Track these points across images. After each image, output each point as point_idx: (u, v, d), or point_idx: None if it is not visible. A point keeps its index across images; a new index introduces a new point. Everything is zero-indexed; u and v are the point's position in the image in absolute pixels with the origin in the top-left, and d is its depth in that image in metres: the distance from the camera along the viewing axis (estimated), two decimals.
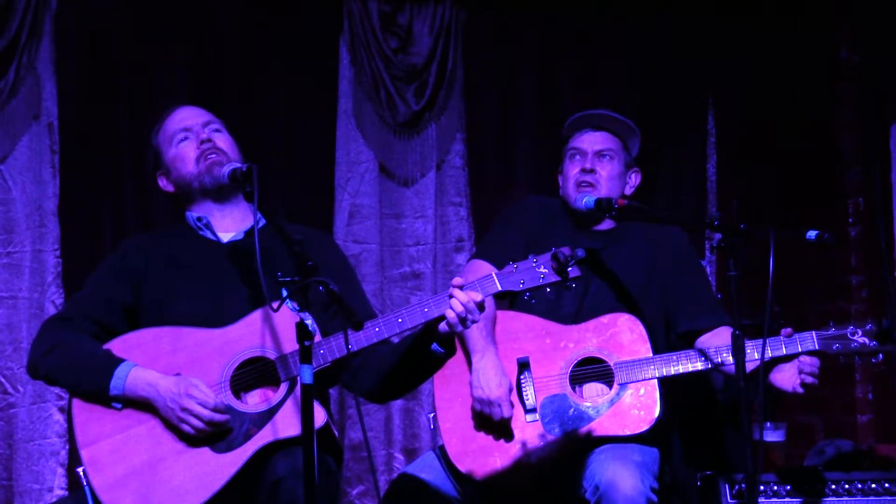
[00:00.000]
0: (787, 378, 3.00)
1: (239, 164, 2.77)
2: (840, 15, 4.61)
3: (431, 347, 2.66)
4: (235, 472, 2.60)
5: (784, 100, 4.64)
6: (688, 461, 3.50)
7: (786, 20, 4.57)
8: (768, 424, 3.95)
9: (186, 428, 2.63)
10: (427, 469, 3.12)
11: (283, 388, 2.67)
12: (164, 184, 2.96)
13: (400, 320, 2.62)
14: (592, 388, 3.11)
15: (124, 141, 4.18)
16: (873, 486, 3.24)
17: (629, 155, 3.34)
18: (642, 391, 3.05)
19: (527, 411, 3.06)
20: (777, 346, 3.00)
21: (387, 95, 4.41)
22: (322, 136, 4.40)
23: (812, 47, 4.60)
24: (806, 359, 2.98)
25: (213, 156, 2.86)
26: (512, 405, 3.04)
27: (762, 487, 3.22)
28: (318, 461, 2.36)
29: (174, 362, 2.71)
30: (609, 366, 3.08)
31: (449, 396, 3.12)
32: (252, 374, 2.71)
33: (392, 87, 4.41)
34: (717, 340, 3.11)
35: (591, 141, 3.29)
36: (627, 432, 3.01)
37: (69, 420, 2.76)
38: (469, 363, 3.10)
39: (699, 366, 3.06)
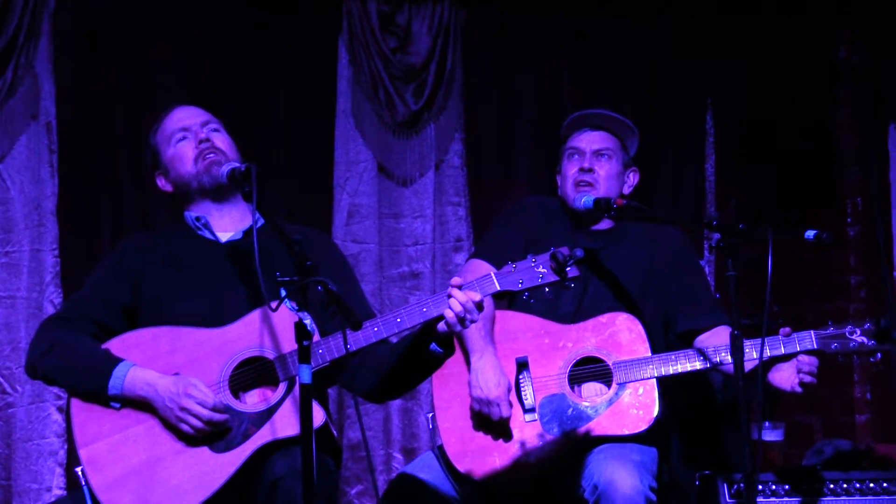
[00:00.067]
0: (785, 377, 3.00)
1: (237, 164, 2.77)
2: (840, 15, 4.61)
3: (430, 347, 2.66)
4: (234, 472, 2.60)
5: (783, 100, 4.64)
6: (686, 461, 3.50)
7: (785, 20, 4.58)
8: (767, 424, 3.95)
9: (185, 427, 2.63)
10: (426, 469, 3.12)
11: (282, 387, 2.67)
12: (162, 183, 2.96)
13: (398, 320, 2.62)
14: (591, 388, 3.11)
15: (123, 140, 4.18)
16: (871, 485, 3.24)
17: (627, 154, 3.34)
18: (641, 391, 3.05)
19: (525, 411, 3.06)
20: (776, 346, 3.00)
21: (386, 95, 4.41)
22: (321, 136, 4.40)
23: (811, 47, 4.61)
24: (804, 358, 2.98)
25: (212, 155, 2.86)
26: (511, 405, 3.04)
27: (761, 487, 3.22)
28: (317, 461, 2.36)
29: (173, 362, 2.71)
30: (608, 365, 3.08)
31: (448, 396, 3.12)
32: (251, 373, 2.71)
33: (391, 87, 4.41)
34: (716, 340, 3.11)
35: (589, 140, 3.29)
36: (626, 432, 3.01)
37: (68, 420, 2.76)
38: (468, 363, 3.10)
39: (698, 365, 3.07)
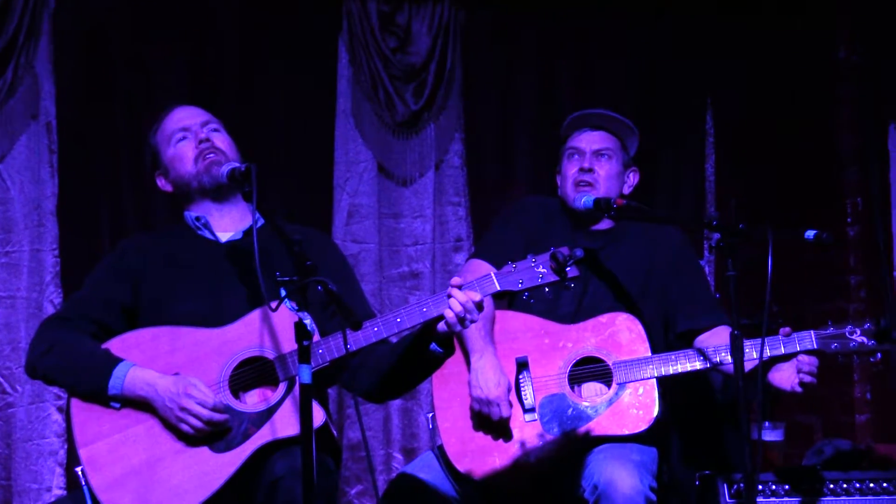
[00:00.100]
0: (785, 377, 3.00)
1: (237, 164, 2.77)
2: (840, 15, 4.61)
3: (430, 347, 2.65)
4: (234, 472, 2.60)
5: (783, 100, 4.64)
6: (686, 461, 3.50)
7: (785, 20, 4.57)
8: (767, 424, 3.95)
9: (185, 427, 2.63)
10: (426, 469, 3.12)
11: (282, 387, 2.67)
12: (162, 183, 2.96)
13: (398, 320, 2.62)
14: (591, 388, 3.11)
15: (123, 140, 4.18)
16: (871, 485, 3.24)
17: (627, 154, 3.34)
18: (641, 391, 3.05)
19: (525, 411, 3.06)
20: (775, 346, 3.00)
21: (385, 95, 4.41)
22: (321, 136, 4.40)
23: (811, 47, 4.61)
24: (804, 358, 2.98)
25: (212, 155, 2.86)
26: (511, 405, 3.04)
27: (760, 487, 3.22)
28: (317, 461, 2.36)
29: (173, 362, 2.71)
30: (608, 365, 3.08)
31: (448, 396, 3.12)
32: (251, 373, 2.71)
33: (391, 87, 4.41)
34: (716, 340, 3.11)
35: (589, 140, 3.29)
36: (626, 432, 3.01)
37: (67, 420, 2.76)
38: (468, 363, 3.10)
39: (698, 365, 3.07)
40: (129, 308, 2.84)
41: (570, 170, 3.27)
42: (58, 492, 4.05)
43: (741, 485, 3.18)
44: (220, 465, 2.61)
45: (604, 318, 3.13)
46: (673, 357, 3.07)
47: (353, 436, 4.33)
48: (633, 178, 3.35)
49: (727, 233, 2.85)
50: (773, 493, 3.24)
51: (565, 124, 3.37)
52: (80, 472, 2.70)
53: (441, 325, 2.59)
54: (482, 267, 3.11)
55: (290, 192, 4.29)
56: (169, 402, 2.64)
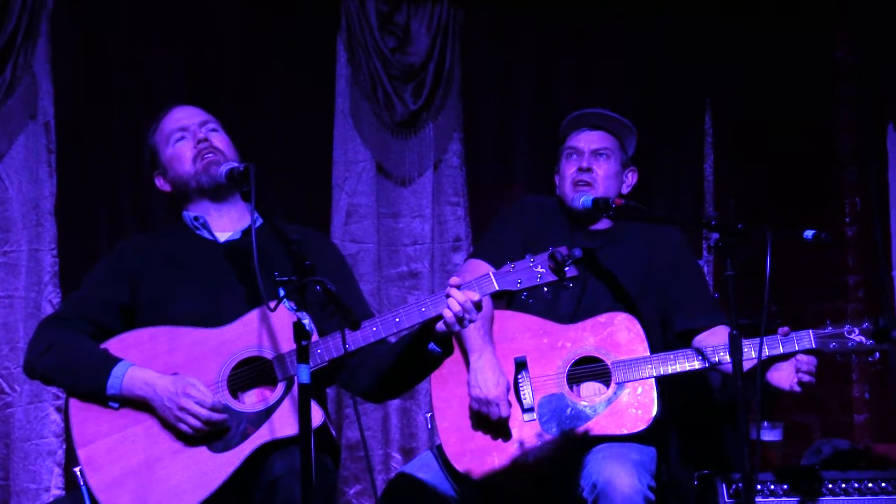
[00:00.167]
0: (784, 377, 3.00)
1: (236, 164, 2.77)
2: (840, 15, 4.61)
3: (429, 347, 2.65)
4: (233, 472, 2.60)
5: (782, 100, 4.64)
6: (685, 460, 3.50)
7: (785, 20, 4.57)
8: (765, 424, 3.96)
9: (184, 427, 2.63)
10: (424, 468, 3.12)
11: (281, 387, 2.66)
12: (160, 183, 2.96)
13: (397, 320, 2.62)
14: (590, 388, 3.11)
15: (121, 140, 4.18)
16: (870, 485, 3.24)
17: (626, 154, 3.34)
18: (640, 390, 3.05)
19: (524, 411, 3.06)
20: (774, 345, 3.00)
21: (384, 95, 4.41)
22: (319, 136, 4.40)
23: (810, 47, 4.61)
24: (803, 357, 2.98)
25: (210, 155, 2.86)
26: (509, 404, 3.04)
27: (759, 486, 3.22)
28: (316, 461, 2.36)
29: (171, 362, 2.71)
30: (606, 365, 3.09)
31: (446, 396, 3.12)
32: (249, 373, 2.71)
33: (389, 87, 4.40)
34: (715, 339, 3.11)
35: (587, 140, 3.29)
36: (625, 431, 3.01)
37: (66, 419, 2.76)
38: (467, 363, 3.10)
39: (696, 365, 3.07)
40: (128, 308, 2.84)
41: (569, 169, 3.27)
42: (56, 492, 4.05)
43: (740, 484, 3.18)
44: (219, 465, 2.61)
45: (602, 318, 3.13)
46: (671, 357, 3.07)
47: (352, 435, 4.33)
48: (631, 178, 3.35)
49: (726, 232, 2.85)
50: (772, 493, 3.24)
51: (564, 124, 3.37)
52: (78, 472, 2.70)
53: (440, 325, 2.59)
54: (481, 267, 3.11)
55: (288, 192, 4.29)
56: (168, 401, 2.64)
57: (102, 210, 4.18)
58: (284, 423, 2.61)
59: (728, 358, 2.86)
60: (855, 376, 4.48)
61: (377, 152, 4.43)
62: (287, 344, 2.64)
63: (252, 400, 2.70)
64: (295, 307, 2.52)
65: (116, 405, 2.69)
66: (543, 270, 2.58)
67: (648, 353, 3.08)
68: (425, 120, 4.46)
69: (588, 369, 3.11)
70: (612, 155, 3.29)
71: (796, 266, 4.28)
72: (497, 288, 2.60)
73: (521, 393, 3.08)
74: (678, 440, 3.49)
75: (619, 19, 4.62)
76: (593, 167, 3.25)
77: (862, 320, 3.02)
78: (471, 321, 2.57)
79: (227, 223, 2.90)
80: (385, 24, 4.41)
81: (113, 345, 2.75)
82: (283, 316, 2.62)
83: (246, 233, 2.88)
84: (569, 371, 3.10)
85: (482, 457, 3.04)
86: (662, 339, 3.23)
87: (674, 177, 4.69)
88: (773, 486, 3.25)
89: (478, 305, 2.57)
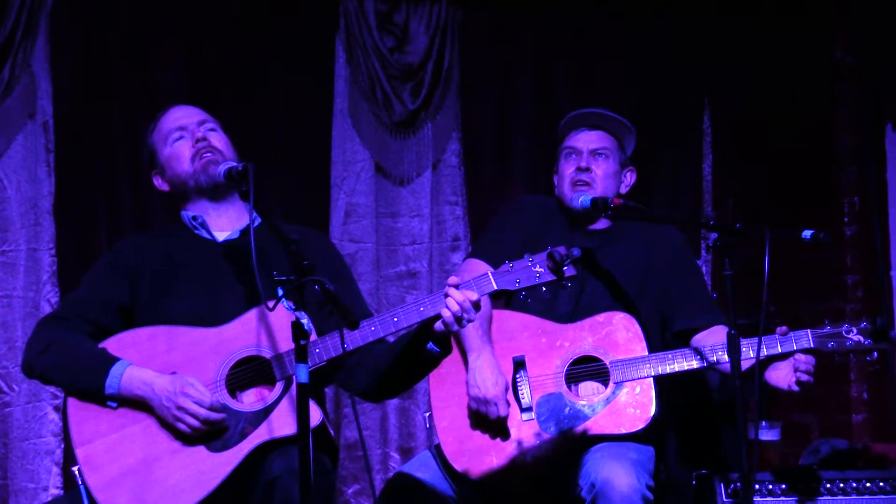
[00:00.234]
0: (782, 376, 3.00)
1: (234, 163, 2.77)
2: (840, 15, 4.61)
3: (427, 346, 2.65)
4: (231, 471, 2.60)
5: (781, 99, 4.64)
6: (683, 460, 3.51)
7: (785, 20, 4.58)
8: (764, 423, 3.95)
9: (182, 427, 2.63)
10: (423, 468, 3.12)
11: (279, 387, 2.66)
12: (159, 183, 2.96)
13: (396, 319, 2.62)
14: (588, 387, 3.11)
15: (120, 140, 4.18)
16: (868, 485, 3.24)
17: (624, 154, 3.34)
18: (638, 390, 3.05)
19: (523, 410, 3.06)
20: (772, 345, 3.00)
21: (383, 94, 4.41)
22: (318, 136, 4.40)
23: (810, 47, 4.61)
24: (801, 357, 2.98)
25: (209, 154, 2.86)
26: (508, 404, 3.04)
27: (757, 486, 3.22)
28: (314, 460, 2.36)
29: (170, 361, 2.71)
30: (605, 364, 3.09)
31: (445, 395, 3.12)
32: (248, 373, 2.71)
33: (388, 87, 4.40)
34: (713, 339, 3.11)
35: (586, 140, 3.29)
36: (623, 431, 3.01)
37: (64, 419, 2.76)
38: (465, 362, 3.10)
39: (694, 364, 3.07)
40: (126, 307, 2.84)
41: (568, 169, 3.27)
42: (55, 491, 4.05)
43: (738, 484, 3.18)
44: (217, 465, 2.61)
45: (601, 318, 3.13)
46: (670, 356, 3.07)
47: (351, 435, 4.33)
48: (630, 178, 3.35)
49: (724, 232, 2.85)
50: (770, 493, 3.24)
51: (562, 124, 3.37)
52: (76, 472, 2.70)
53: (438, 325, 2.59)
54: (479, 266, 3.11)
55: (287, 192, 4.29)
56: (166, 401, 2.64)
57: (101, 210, 4.17)
58: (283, 423, 2.61)
59: (726, 357, 2.86)
60: (853, 376, 4.48)
61: (376, 152, 4.43)
62: (285, 343, 2.64)
63: (250, 399, 2.70)
64: (293, 306, 2.52)
65: (115, 404, 2.69)
66: (542, 270, 2.58)
67: (647, 353, 3.08)
68: (424, 120, 4.46)
69: (586, 369, 3.11)
70: (611, 155, 3.29)
71: (795, 266, 4.28)
72: (495, 287, 2.60)
73: (520, 392, 3.08)
74: (676, 440, 3.49)
75: (618, 19, 4.62)
76: (592, 167, 3.25)
77: (860, 320, 3.03)
78: (469, 321, 2.57)
79: (225, 223, 2.90)
80: (384, 24, 4.41)
81: (111, 344, 2.75)
82: (282, 315, 2.62)
83: (244, 232, 2.88)
84: (567, 370, 3.10)
85: (480, 456, 3.04)
86: (661, 338, 3.23)
87: (673, 177, 4.69)
88: (771, 486, 3.25)
89: (476, 305, 2.57)
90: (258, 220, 2.79)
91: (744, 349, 2.86)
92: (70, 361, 2.73)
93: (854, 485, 3.24)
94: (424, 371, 2.79)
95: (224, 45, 4.30)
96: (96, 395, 2.69)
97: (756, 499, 3.20)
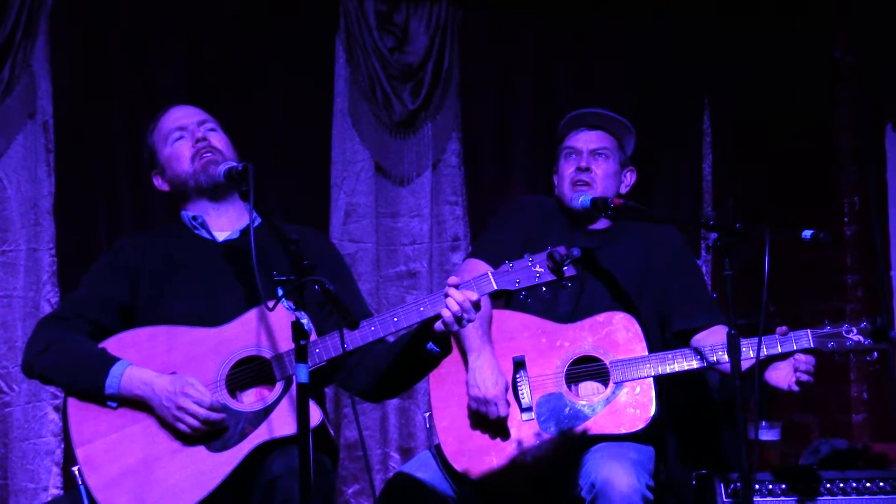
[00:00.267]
0: (782, 376, 3.00)
1: (234, 163, 2.77)
2: (840, 15, 4.61)
3: (427, 346, 2.65)
4: (231, 471, 2.60)
5: (780, 99, 4.64)
6: (683, 460, 3.51)
7: (785, 20, 4.58)
8: (764, 423, 3.96)
9: (182, 427, 2.63)
10: (423, 468, 3.12)
11: (279, 387, 2.66)
12: (159, 183, 2.96)
13: (395, 319, 2.62)
14: (588, 387, 3.11)
15: (120, 139, 4.18)
16: (868, 484, 3.24)
17: (624, 154, 3.34)
18: (638, 390, 3.05)
19: (523, 410, 3.06)
20: (772, 345, 3.00)
21: (383, 94, 4.41)
22: (318, 135, 4.40)
23: (810, 47, 4.61)
24: (801, 357, 2.98)
25: (209, 154, 2.86)
26: (508, 404, 3.04)
27: (757, 486, 3.22)
28: (314, 460, 2.36)
29: (169, 361, 2.71)
30: (605, 364, 3.09)
31: (445, 395, 3.12)
32: (247, 372, 2.71)
33: (388, 86, 4.40)
34: (713, 339, 3.11)
35: (586, 140, 3.29)
36: (623, 431, 3.01)
37: (64, 419, 2.76)
38: (465, 362, 3.10)
39: (694, 364, 3.07)
40: (127, 307, 2.84)
41: (567, 169, 3.28)
42: (54, 491, 4.05)
43: (738, 484, 3.18)
44: (217, 465, 2.61)
45: (601, 318, 3.13)
46: (670, 356, 3.07)
47: (351, 435, 4.33)
48: (630, 178, 3.35)
49: (724, 232, 2.85)
50: (770, 493, 3.24)
51: (562, 124, 3.37)
52: (76, 472, 2.70)
53: (438, 325, 2.59)
54: (479, 266, 3.11)
55: (287, 192, 4.29)
56: (166, 401, 2.64)
57: (101, 209, 4.17)
58: (283, 423, 2.61)
59: (726, 357, 2.86)
60: (853, 376, 4.48)
61: (376, 152, 4.43)
62: (285, 343, 2.64)
63: (250, 399, 2.70)
64: (293, 307, 2.52)
65: (115, 404, 2.69)
66: (542, 270, 2.58)
67: (647, 353, 3.08)
68: (424, 119, 4.46)
69: (586, 369, 3.11)
70: (611, 155, 3.29)
71: (795, 266, 4.28)
72: (495, 287, 2.60)
73: (520, 392, 3.08)
74: (676, 440, 3.49)
75: (618, 19, 4.62)
76: (592, 167, 3.25)
77: (860, 320, 3.03)
78: (469, 321, 2.57)
79: (225, 223, 2.90)
80: (384, 24, 4.41)
81: (111, 344, 2.75)
82: (282, 315, 2.62)
83: (244, 232, 2.88)
84: (567, 370, 3.10)
85: (480, 456, 3.04)
86: (661, 338, 3.23)
87: (672, 177, 4.70)
88: (771, 486, 3.25)
89: (476, 305, 2.57)
90: (258, 220, 2.79)
91: (744, 349, 2.86)
92: (70, 361, 2.73)
93: (854, 485, 3.24)
94: (424, 371, 2.79)
95: (224, 44, 4.30)
96: (96, 395, 2.69)
97: (756, 499, 3.20)
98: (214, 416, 2.62)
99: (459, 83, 4.50)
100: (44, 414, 4.08)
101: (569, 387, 3.10)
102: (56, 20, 4.12)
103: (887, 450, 3.78)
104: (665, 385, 3.11)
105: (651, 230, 3.31)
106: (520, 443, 3.04)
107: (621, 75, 4.62)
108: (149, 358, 2.71)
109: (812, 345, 3.01)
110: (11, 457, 4.05)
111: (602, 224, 3.30)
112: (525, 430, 3.05)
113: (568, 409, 3.05)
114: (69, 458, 3.66)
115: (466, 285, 2.59)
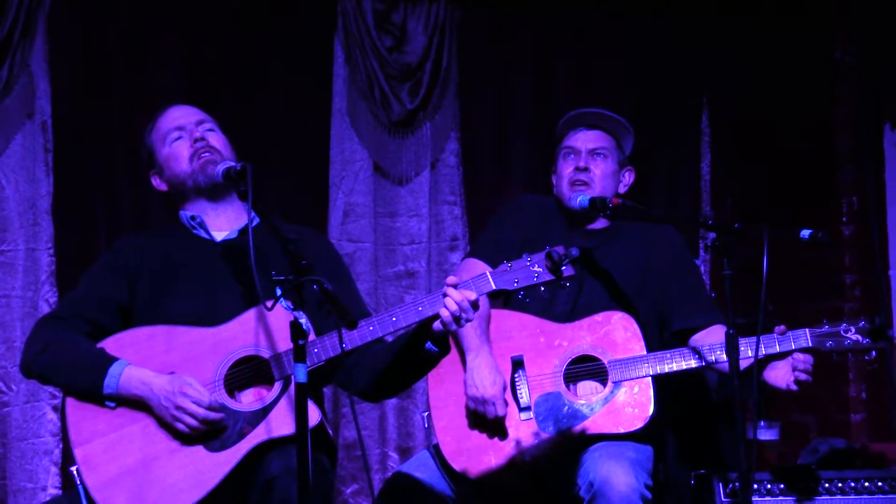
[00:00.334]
0: (780, 375, 3.01)
1: (233, 163, 2.77)
2: (839, 15, 4.61)
3: (425, 346, 2.65)
4: (229, 471, 2.60)
5: (779, 99, 4.64)
6: (682, 459, 3.51)
7: (785, 20, 4.58)
8: (762, 423, 3.96)
9: (180, 426, 2.63)
10: (421, 468, 3.12)
11: (278, 386, 2.66)
12: (157, 183, 2.96)
13: (394, 319, 2.62)
14: (586, 386, 3.11)
15: (119, 139, 4.18)
16: (866, 484, 3.24)
17: (623, 153, 3.34)
18: (636, 389, 3.05)
19: (521, 409, 3.07)
20: (770, 344, 3.00)
21: (381, 94, 4.41)
22: (316, 135, 4.40)
23: (810, 47, 4.61)
24: (799, 356, 2.99)
25: (207, 154, 2.86)
26: (506, 403, 3.04)
27: (756, 486, 3.22)
28: (313, 460, 2.36)
29: (168, 361, 2.71)
30: (603, 364, 3.09)
31: (443, 395, 3.12)
32: (246, 372, 2.71)
33: (386, 86, 4.40)
34: (711, 339, 3.11)
35: (584, 139, 3.29)
36: (621, 430, 3.01)
37: (63, 419, 2.76)
38: (463, 362, 3.10)
39: (693, 364, 3.07)
40: (125, 307, 2.84)
41: (566, 169, 3.28)
42: (53, 491, 4.04)
43: (736, 484, 3.18)
44: (216, 465, 2.61)
45: (599, 317, 3.13)
46: (668, 356, 3.07)
47: (349, 435, 4.33)
48: (628, 178, 3.36)
49: (723, 232, 2.85)
50: (769, 493, 3.24)
51: (561, 123, 3.37)
52: (75, 472, 2.69)
53: (437, 324, 2.59)
54: (478, 266, 3.11)
55: (285, 191, 4.29)
56: (164, 400, 2.63)
57: (100, 209, 4.17)
58: (281, 423, 2.61)
59: (725, 357, 2.86)
60: (852, 375, 4.48)
61: (374, 151, 4.43)
62: (284, 343, 2.64)
63: (249, 399, 2.70)
64: (292, 306, 2.52)
65: (113, 404, 2.69)
66: (540, 270, 2.58)
67: (645, 352, 3.08)
68: (422, 119, 4.45)
69: (585, 368, 3.11)
70: (609, 154, 3.29)
71: (793, 265, 4.28)
72: (494, 287, 2.60)
73: (518, 392, 3.08)
74: (675, 439, 3.49)
75: (618, 19, 4.62)
76: (590, 167, 3.25)
77: (858, 319, 3.03)
78: (468, 320, 2.57)
79: (223, 222, 2.90)
80: (382, 24, 4.41)
81: (109, 344, 2.75)
82: (280, 315, 2.62)
83: (243, 232, 2.87)
84: (565, 370, 3.10)
85: (479, 456, 3.04)
86: (659, 338, 3.23)
87: (671, 176, 4.70)
88: (769, 486, 3.25)
89: (475, 305, 2.57)
90: (256, 220, 2.79)
91: (742, 348, 2.86)
92: (68, 361, 2.72)
93: (852, 484, 3.24)
94: (423, 371, 2.79)
95: (223, 44, 4.30)
96: (94, 394, 2.69)
97: (754, 498, 3.20)
98: (213, 415, 2.62)
99: (458, 83, 4.50)
100: (42, 414, 4.08)
101: (567, 386, 3.10)
102: (54, 20, 4.12)
103: (885, 449, 3.79)
104: (663, 385, 3.11)
105: (650, 230, 3.31)
106: (518, 442, 3.04)
107: (620, 75, 4.62)
108: (147, 358, 2.71)
109: (810, 344, 3.01)
110: (10, 457, 4.05)
111: (600, 224, 3.30)
112: (523, 429, 3.05)
113: (566, 408, 3.05)
114: (67, 457, 3.65)
115: (465, 285, 2.59)
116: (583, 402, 3.06)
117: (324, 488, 2.68)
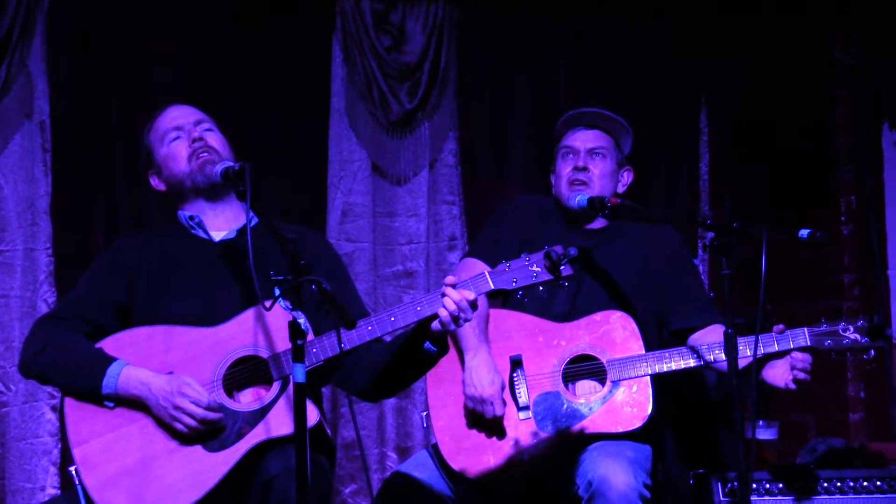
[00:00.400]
0: (779, 374, 3.01)
1: (231, 163, 2.77)
2: (839, 15, 4.61)
3: (424, 346, 2.66)
4: (228, 471, 2.60)
5: (778, 99, 4.65)
6: (680, 459, 3.51)
7: (785, 20, 4.58)
8: (761, 422, 3.96)
9: (179, 426, 2.63)
10: (420, 467, 3.12)
11: (276, 386, 2.66)
12: (155, 183, 2.96)
13: (392, 319, 2.62)
14: (585, 386, 3.11)
15: (117, 139, 4.18)
16: (865, 483, 3.25)
17: (621, 153, 3.34)
18: (635, 388, 3.05)
19: (519, 409, 3.07)
20: (769, 343, 3.00)
21: (380, 94, 4.41)
22: (315, 135, 4.40)
23: (809, 47, 4.61)
24: (798, 355, 2.99)
25: (205, 154, 2.86)
26: (505, 403, 3.04)
27: (754, 485, 3.22)
28: (311, 460, 2.36)
29: (167, 361, 2.71)
30: (602, 363, 3.09)
31: (442, 395, 3.12)
32: (244, 372, 2.71)
33: (385, 86, 4.40)
34: (710, 338, 3.11)
35: (583, 139, 3.29)
36: (620, 429, 3.01)
37: (61, 419, 2.76)
38: (462, 361, 3.10)
39: (691, 363, 3.07)
40: (124, 307, 2.84)
41: (565, 169, 3.28)
42: (52, 491, 4.04)
43: (735, 483, 3.18)
44: (214, 464, 2.61)
45: (598, 317, 3.13)
46: (667, 355, 3.07)
47: (348, 435, 4.33)
48: (627, 177, 3.36)
49: (721, 231, 2.85)
50: (767, 492, 3.24)
51: (560, 123, 3.37)
52: (73, 472, 2.69)
53: (435, 324, 2.59)
54: (477, 266, 3.11)
55: (284, 191, 4.29)
56: (163, 400, 2.63)
57: (99, 209, 4.17)
58: (280, 423, 2.61)
59: (723, 356, 2.86)
60: (850, 375, 4.49)
61: (373, 151, 4.43)
62: (282, 343, 2.64)
63: (247, 399, 2.70)
64: (290, 306, 2.52)
65: (112, 404, 2.69)
66: (539, 269, 2.58)
67: (643, 352, 3.08)
68: (421, 119, 4.45)
69: (583, 367, 3.11)
70: (608, 154, 3.29)
71: (792, 265, 4.28)
72: (492, 287, 2.60)
73: (517, 391, 3.08)
74: (673, 438, 3.49)
75: (618, 19, 4.63)
76: (589, 166, 3.26)
77: (857, 318, 3.03)
78: (466, 320, 2.57)
79: (222, 222, 2.90)
80: (380, 23, 4.41)
81: (108, 344, 2.75)
82: (279, 315, 2.61)
83: (241, 232, 2.87)
84: (564, 369, 3.10)
85: (478, 455, 3.04)
86: (658, 337, 3.23)
87: (670, 176, 4.70)
88: (768, 485, 3.25)
89: (473, 304, 2.57)
90: (255, 220, 2.78)
91: (741, 348, 2.86)
92: (67, 361, 2.72)
93: (851, 484, 3.24)
94: (422, 370, 2.79)
95: (222, 44, 4.30)
96: (93, 394, 2.69)
97: (753, 498, 3.20)
98: (211, 415, 2.62)
99: (457, 82, 4.50)
100: (41, 414, 4.08)
101: (566, 385, 3.10)
102: (53, 19, 4.12)
103: (884, 448, 3.79)
104: (662, 384, 3.11)
105: (648, 230, 3.31)
106: (517, 442, 3.04)
107: (620, 75, 4.62)
108: (146, 358, 2.71)
109: (809, 343, 3.01)
110: (9, 457, 4.05)
111: (599, 223, 3.30)
112: (522, 428, 3.05)
113: (565, 407, 3.06)
114: (66, 457, 3.66)
115: (463, 285, 2.59)
116: (581, 401, 3.06)
117: (322, 488, 2.68)
